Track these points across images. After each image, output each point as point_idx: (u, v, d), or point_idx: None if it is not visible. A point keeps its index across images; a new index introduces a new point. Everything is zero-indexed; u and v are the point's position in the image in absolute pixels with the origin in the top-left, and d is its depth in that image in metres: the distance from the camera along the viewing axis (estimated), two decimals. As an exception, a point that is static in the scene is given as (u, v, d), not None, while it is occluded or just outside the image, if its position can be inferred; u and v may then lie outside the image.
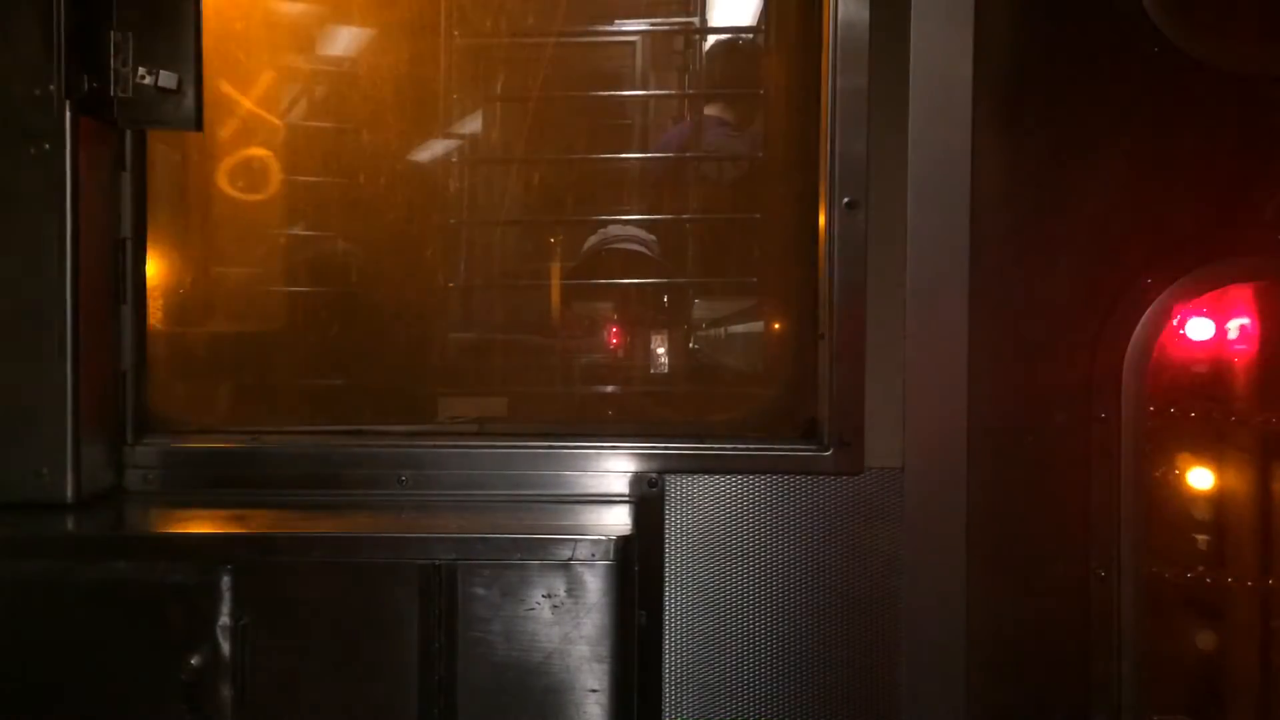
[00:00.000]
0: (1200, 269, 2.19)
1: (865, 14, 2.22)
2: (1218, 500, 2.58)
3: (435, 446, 2.37)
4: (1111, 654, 2.19)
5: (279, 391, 2.81)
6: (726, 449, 2.30)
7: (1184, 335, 2.33)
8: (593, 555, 1.97)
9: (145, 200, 2.38)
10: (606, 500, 2.29)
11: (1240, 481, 2.59)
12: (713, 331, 3.88)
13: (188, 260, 2.69)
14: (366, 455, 2.35)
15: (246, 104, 2.82)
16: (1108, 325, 2.20)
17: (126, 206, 2.33)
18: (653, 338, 3.58)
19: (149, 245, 2.43)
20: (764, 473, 2.26)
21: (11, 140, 2.13)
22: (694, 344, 3.76)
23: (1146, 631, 2.19)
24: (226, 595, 1.95)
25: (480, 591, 1.96)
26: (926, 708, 2.21)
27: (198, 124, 2.29)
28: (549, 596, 1.96)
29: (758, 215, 3.24)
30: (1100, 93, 2.21)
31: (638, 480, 2.30)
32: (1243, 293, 2.38)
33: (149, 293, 2.45)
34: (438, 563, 1.96)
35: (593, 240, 3.89)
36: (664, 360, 3.54)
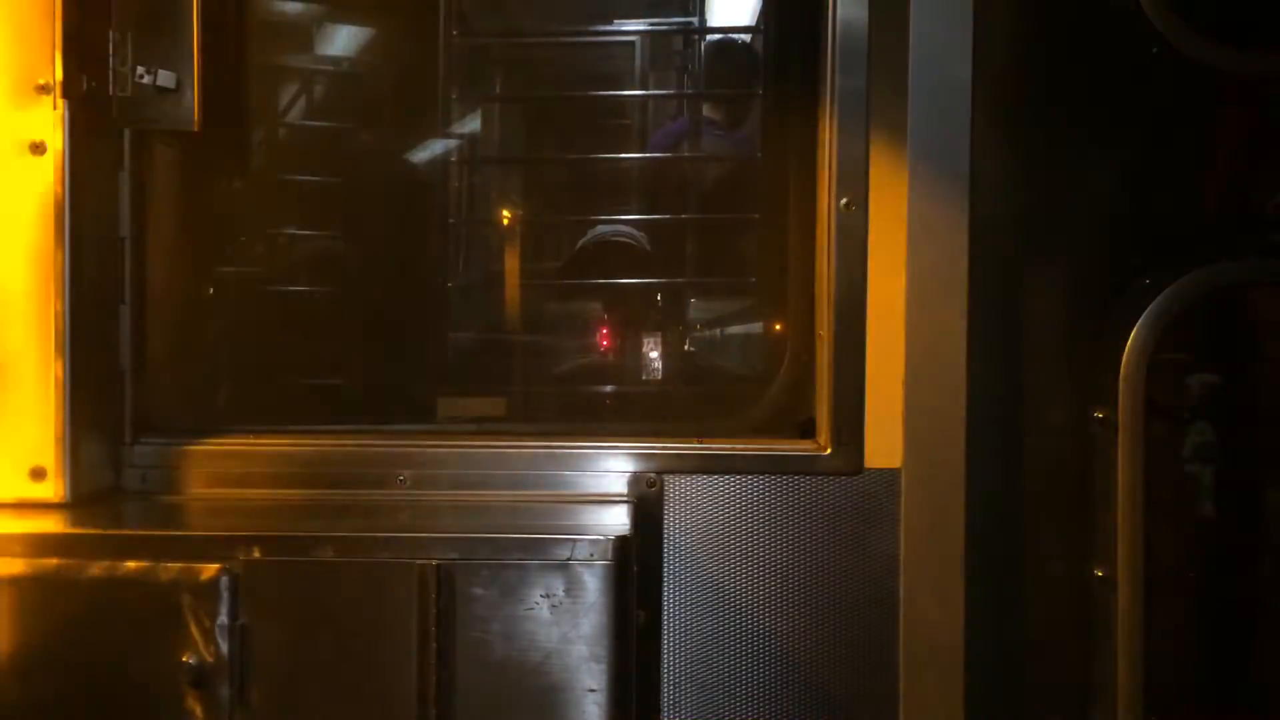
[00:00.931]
0: (1199, 269, 2.19)
1: (865, 14, 2.22)
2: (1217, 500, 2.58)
3: (434, 446, 2.37)
4: (1110, 654, 2.19)
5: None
6: (725, 449, 2.30)
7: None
8: (591, 555, 1.97)
9: (144, 200, 2.38)
10: (605, 500, 2.29)
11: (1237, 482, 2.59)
12: (709, 332, 3.88)
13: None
14: (366, 455, 2.35)
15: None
16: (1107, 325, 2.20)
17: (125, 206, 2.33)
18: (647, 339, 3.59)
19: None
20: (763, 473, 2.26)
21: (9, 139, 2.13)
22: (690, 346, 3.76)
23: (1145, 632, 2.19)
24: (225, 595, 1.95)
25: (479, 591, 1.96)
26: (925, 708, 2.21)
27: (196, 123, 2.29)
28: (548, 596, 1.96)
29: (756, 215, 3.25)
30: (1099, 93, 2.21)
31: (636, 480, 2.29)
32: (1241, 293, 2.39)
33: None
34: (436, 562, 1.96)
35: (583, 241, 3.90)
36: (657, 364, 3.54)
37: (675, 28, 4.48)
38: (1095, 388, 2.20)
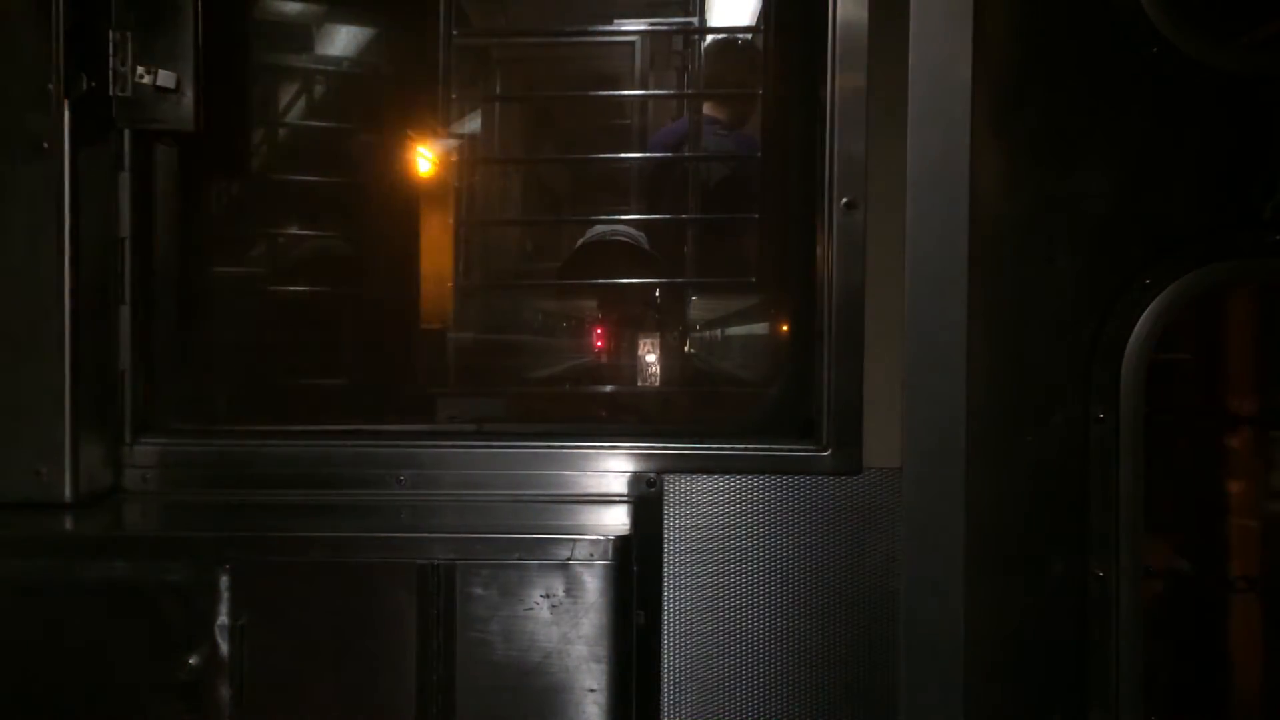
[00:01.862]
0: (1199, 269, 2.19)
1: (864, 14, 2.22)
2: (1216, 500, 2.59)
3: (434, 446, 2.37)
4: (1110, 654, 2.19)
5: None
6: (725, 449, 2.30)
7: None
8: (591, 555, 1.97)
9: (143, 200, 2.38)
10: (605, 500, 2.29)
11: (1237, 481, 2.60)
12: (708, 332, 3.88)
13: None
14: (365, 455, 2.35)
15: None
16: (1106, 325, 2.20)
17: (125, 206, 2.33)
18: (646, 339, 3.59)
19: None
20: (762, 473, 2.26)
21: (10, 140, 2.13)
22: (690, 348, 3.76)
23: (1145, 632, 2.19)
24: (225, 595, 1.95)
25: (479, 591, 1.96)
26: (925, 707, 2.21)
27: (196, 123, 2.29)
28: (547, 596, 1.96)
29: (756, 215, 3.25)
30: (1099, 92, 2.21)
31: (636, 480, 2.29)
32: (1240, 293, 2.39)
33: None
34: (436, 563, 1.96)
35: (582, 241, 3.90)
36: (655, 363, 3.54)
37: (675, 28, 4.48)
38: (1095, 388, 2.20)
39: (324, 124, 3.25)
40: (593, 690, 1.97)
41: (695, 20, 4.34)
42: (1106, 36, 2.21)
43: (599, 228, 3.96)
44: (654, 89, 4.49)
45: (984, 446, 2.20)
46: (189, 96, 2.27)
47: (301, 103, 3.19)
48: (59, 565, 1.99)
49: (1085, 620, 2.21)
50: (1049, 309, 2.23)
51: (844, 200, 2.24)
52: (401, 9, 3.48)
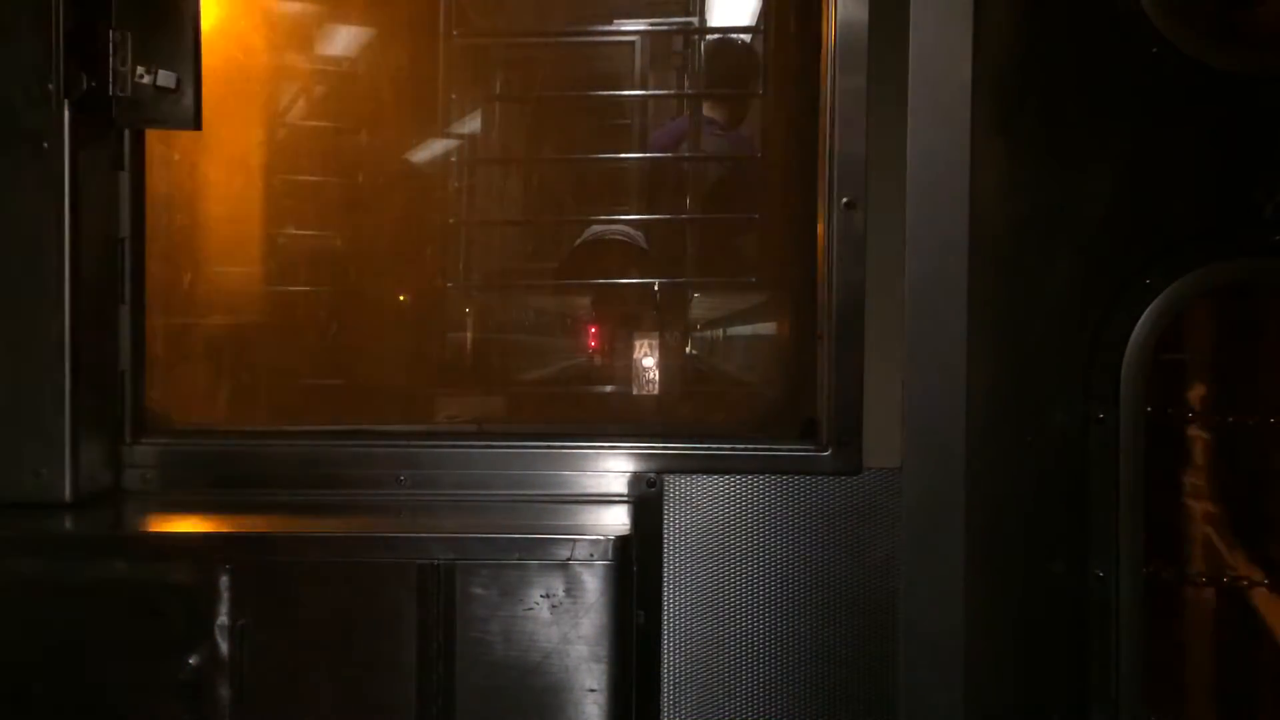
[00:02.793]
0: (1199, 269, 2.19)
1: (865, 14, 2.22)
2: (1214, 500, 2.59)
3: (434, 446, 2.37)
4: (1110, 654, 2.19)
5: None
6: (725, 449, 2.30)
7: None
8: (591, 555, 1.97)
9: (143, 200, 2.37)
10: (605, 500, 2.29)
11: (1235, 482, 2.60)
12: (708, 332, 3.88)
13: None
14: (365, 455, 2.35)
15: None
16: (1106, 326, 2.20)
17: (124, 206, 2.33)
18: (645, 340, 3.58)
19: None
20: (762, 473, 2.26)
21: (10, 139, 2.13)
22: (692, 349, 3.75)
23: (1145, 632, 2.19)
24: (225, 595, 1.95)
25: (479, 591, 1.96)
26: (925, 707, 2.21)
27: (197, 123, 2.29)
28: (547, 596, 1.96)
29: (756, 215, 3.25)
30: (1099, 92, 2.21)
31: (636, 480, 2.29)
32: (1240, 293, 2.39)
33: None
34: (436, 562, 1.96)
35: (579, 241, 3.89)
36: (653, 366, 3.53)
37: (675, 28, 4.48)
38: (1095, 388, 2.20)
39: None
40: (592, 690, 1.96)
41: (695, 20, 4.33)
42: (1106, 37, 2.21)
43: (596, 227, 3.96)
44: (654, 89, 4.49)
45: (984, 447, 2.20)
46: (189, 96, 2.27)
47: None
48: (58, 565, 1.99)
49: (1085, 620, 2.21)
50: (1049, 309, 2.23)
51: (844, 200, 2.24)
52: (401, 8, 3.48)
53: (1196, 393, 2.52)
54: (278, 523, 2.19)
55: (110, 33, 2.23)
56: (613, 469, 2.31)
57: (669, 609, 2.26)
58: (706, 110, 4.02)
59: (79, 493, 2.18)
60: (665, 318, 3.69)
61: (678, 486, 2.27)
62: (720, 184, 3.95)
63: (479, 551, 1.98)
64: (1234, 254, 2.21)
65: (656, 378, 3.50)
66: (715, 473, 2.27)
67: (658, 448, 2.31)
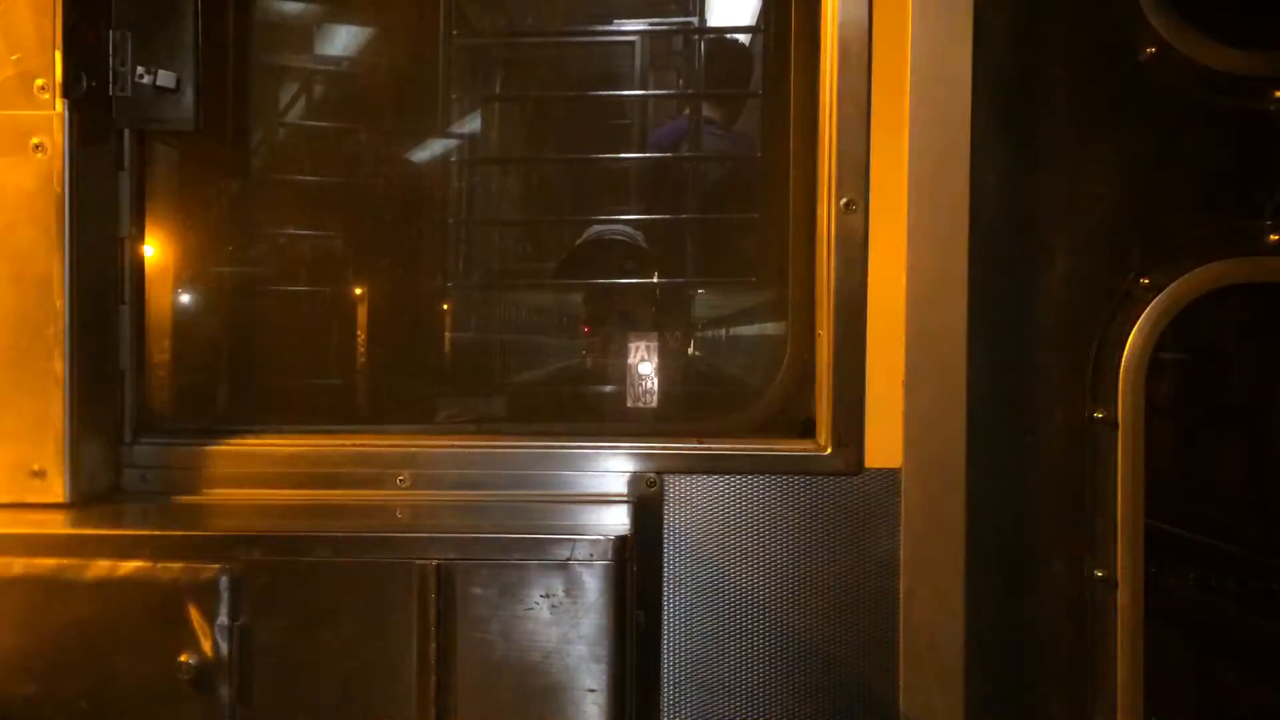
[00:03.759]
0: (1198, 269, 2.19)
1: (865, 14, 2.22)
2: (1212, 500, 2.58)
3: (434, 446, 2.37)
4: (1109, 655, 2.19)
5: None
6: (725, 449, 2.30)
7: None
8: (591, 555, 1.97)
9: (143, 200, 2.37)
10: (605, 500, 2.29)
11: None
12: (709, 332, 3.87)
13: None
14: (365, 455, 2.35)
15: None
16: (1106, 326, 2.20)
17: (125, 206, 2.33)
18: (646, 340, 3.58)
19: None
20: (763, 473, 2.26)
21: (9, 139, 2.13)
22: (694, 349, 3.75)
23: (1144, 632, 2.19)
24: (225, 595, 1.95)
25: (478, 591, 1.96)
26: (924, 708, 2.21)
27: (196, 123, 2.29)
28: (547, 596, 1.96)
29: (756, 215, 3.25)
30: (1099, 93, 2.21)
31: (636, 480, 2.29)
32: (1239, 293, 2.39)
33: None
34: (436, 562, 1.96)
35: (579, 241, 3.90)
36: (649, 368, 3.53)
37: (675, 28, 4.48)
38: (1095, 387, 2.20)
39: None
40: (592, 690, 1.96)
41: (695, 20, 4.33)
42: (1106, 37, 2.21)
43: (596, 228, 3.96)
44: (654, 89, 4.48)
45: (984, 447, 2.20)
46: (189, 96, 2.27)
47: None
48: (58, 566, 1.98)
49: (1085, 620, 2.21)
50: (1049, 309, 2.23)
51: (844, 200, 2.24)
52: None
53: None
54: (277, 523, 2.18)
55: (110, 33, 2.23)
56: (613, 469, 2.31)
57: (669, 609, 2.26)
58: (705, 110, 4.02)
59: (78, 493, 2.18)
60: (668, 318, 3.69)
61: (678, 486, 2.27)
62: (721, 183, 3.95)
63: (479, 551, 1.97)
64: (1234, 254, 2.21)
65: (654, 384, 3.50)
66: (715, 473, 2.27)
67: (658, 447, 2.31)
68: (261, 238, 3.13)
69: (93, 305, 2.22)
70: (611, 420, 3.46)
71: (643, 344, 3.51)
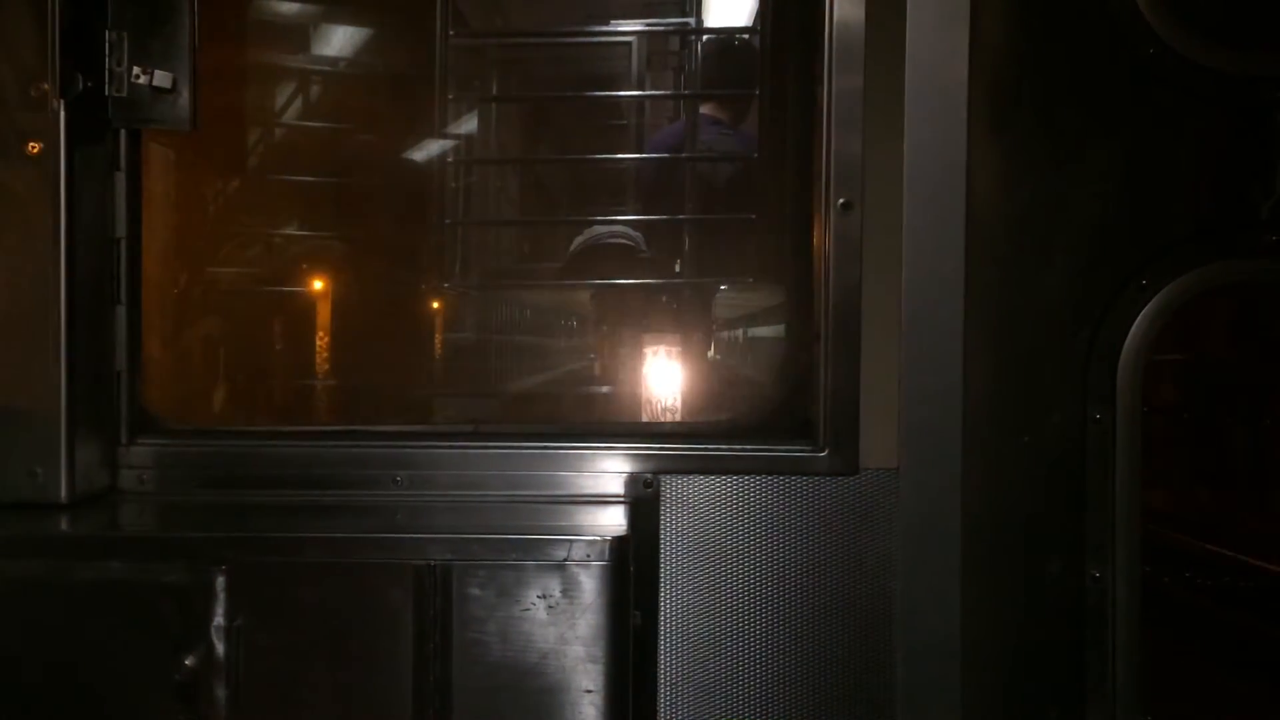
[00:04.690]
0: (1195, 270, 2.19)
1: (861, 14, 2.22)
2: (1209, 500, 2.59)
3: (430, 447, 2.37)
4: (1106, 654, 2.19)
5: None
6: (722, 449, 2.30)
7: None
8: (588, 556, 1.97)
9: (139, 200, 2.37)
10: (602, 501, 2.29)
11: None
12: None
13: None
14: (362, 456, 2.35)
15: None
16: (1103, 326, 2.20)
17: (120, 207, 2.32)
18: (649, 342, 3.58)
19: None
20: (759, 473, 2.26)
21: (5, 140, 2.13)
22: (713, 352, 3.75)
23: (1141, 632, 2.19)
24: (221, 596, 1.95)
25: (475, 592, 1.96)
26: (921, 707, 2.21)
27: (193, 123, 2.29)
28: (544, 597, 1.96)
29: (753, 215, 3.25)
30: (1095, 93, 2.21)
31: (633, 481, 2.29)
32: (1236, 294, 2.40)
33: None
34: (433, 563, 1.96)
35: (579, 240, 3.90)
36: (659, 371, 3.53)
37: (672, 28, 4.48)
38: (1092, 388, 2.20)
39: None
40: (589, 691, 1.96)
41: (692, 21, 4.34)
42: (1103, 37, 2.21)
43: (597, 228, 3.96)
44: (650, 89, 4.49)
45: (981, 447, 2.20)
46: (185, 96, 2.26)
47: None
48: (54, 566, 1.98)
49: (1082, 620, 2.21)
50: (1046, 309, 2.23)
51: (841, 200, 2.24)
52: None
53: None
54: (274, 523, 2.18)
55: (106, 33, 2.23)
56: (609, 469, 2.31)
57: (666, 609, 2.26)
58: (710, 109, 4.02)
59: (75, 493, 2.18)
60: (677, 319, 3.69)
61: (674, 487, 2.27)
62: (724, 183, 3.96)
63: (475, 552, 1.97)
64: (1230, 254, 2.22)
65: (656, 389, 3.50)
66: (712, 473, 2.27)
67: (654, 448, 2.31)
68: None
69: (87, 305, 2.22)
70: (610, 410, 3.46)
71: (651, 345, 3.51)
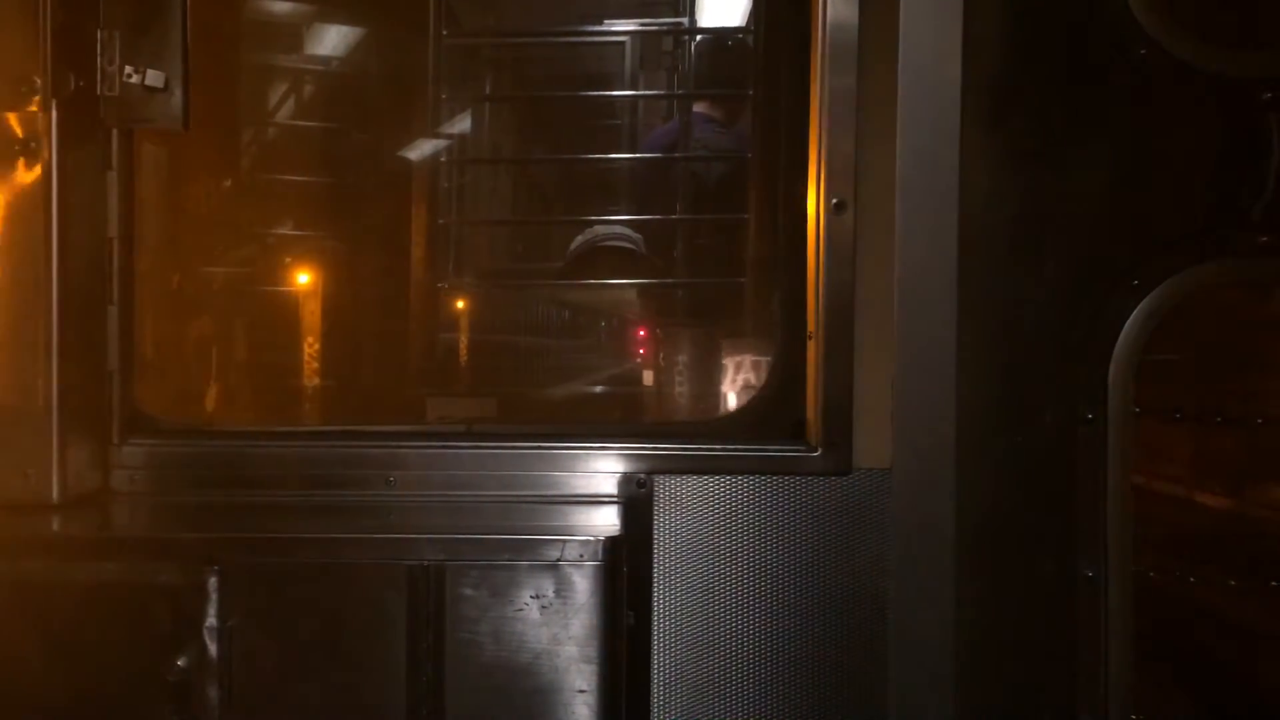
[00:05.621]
0: (1187, 271, 2.19)
1: (854, 14, 2.22)
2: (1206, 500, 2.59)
3: (423, 447, 2.36)
4: (1098, 654, 2.19)
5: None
6: (715, 449, 2.30)
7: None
8: (581, 556, 1.97)
9: (132, 200, 2.37)
10: (595, 501, 2.29)
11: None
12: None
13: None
14: (355, 456, 2.35)
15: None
16: (1095, 327, 2.20)
17: (113, 206, 2.32)
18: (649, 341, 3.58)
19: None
20: (753, 473, 2.26)
21: (-3, 139, 2.12)
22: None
23: (1133, 632, 2.19)
24: (213, 596, 1.94)
25: (468, 592, 1.96)
26: (914, 708, 2.21)
27: (185, 123, 2.28)
28: (537, 597, 1.96)
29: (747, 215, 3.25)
30: (1088, 94, 2.22)
31: (626, 481, 2.29)
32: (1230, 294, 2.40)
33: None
34: (426, 563, 1.96)
35: (579, 240, 3.90)
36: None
37: (666, 28, 4.49)
38: (1084, 388, 2.21)
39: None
40: (582, 691, 1.96)
41: (685, 21, 4.34)
42: (1095, 38, 2.21)
43: (597, 229, 3.96)
44: (644, 89, 4.49)
45: (973, 447, 2.20)
46: (177, 95, 2.26)
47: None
48: (47, 566, 1.98)
49: (1074, 620, 2.21)
50: (1038, 309, 2.23)
51: (834, 201, 2.24)
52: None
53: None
54: (267, 524, 2.18)
55: (98, 32, 2.22)
56: (603, 469, 2.31)
57: (659, 610, 2.26)
58: (705, 106, 4.02)
59: (67, 493, 2.17)
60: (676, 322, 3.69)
61: (668, 487, 2.27)
62: (724, 182, 3.96)
63: (469, 552, 1.97)
64: (1222, 255, 2.22)
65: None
66: (705, 473, 2.27)
67: (648, 448, 2.31)
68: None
69: (80, 305, 2.22)
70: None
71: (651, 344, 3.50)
